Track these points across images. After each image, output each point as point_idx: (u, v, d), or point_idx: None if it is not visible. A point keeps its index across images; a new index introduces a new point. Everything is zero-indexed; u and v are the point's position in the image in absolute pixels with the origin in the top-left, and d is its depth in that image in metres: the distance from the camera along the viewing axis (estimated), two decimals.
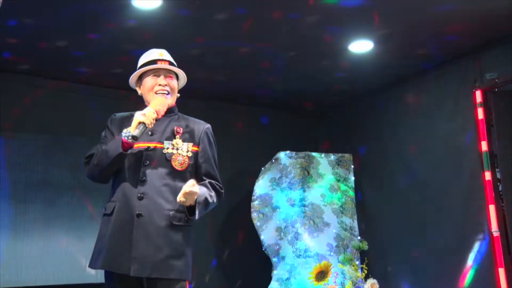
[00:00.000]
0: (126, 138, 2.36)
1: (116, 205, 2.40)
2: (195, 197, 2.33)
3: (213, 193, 2.49)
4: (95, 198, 4.87)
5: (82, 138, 4.91)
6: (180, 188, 2.35)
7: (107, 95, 5.10)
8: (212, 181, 2.54)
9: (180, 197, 2.30)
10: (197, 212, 2.37)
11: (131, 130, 2.37)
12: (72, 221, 4.80)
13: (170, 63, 2.60)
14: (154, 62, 2.57)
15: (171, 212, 2.39)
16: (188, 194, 2.29)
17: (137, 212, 2.35)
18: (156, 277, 2.32)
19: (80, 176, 4.87)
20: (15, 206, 4.57)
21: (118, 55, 4.42)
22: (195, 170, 2.53)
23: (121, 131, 2.47)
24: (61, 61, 4.56)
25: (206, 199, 2.42)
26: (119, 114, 2.64)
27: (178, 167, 2.45)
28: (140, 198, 2.37)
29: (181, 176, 2.45)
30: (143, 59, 2.63)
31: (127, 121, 2.53)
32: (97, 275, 4.76)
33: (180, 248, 2.39)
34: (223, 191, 2.57)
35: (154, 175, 2.41)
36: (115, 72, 4.79)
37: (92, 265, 2.44)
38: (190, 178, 2.45)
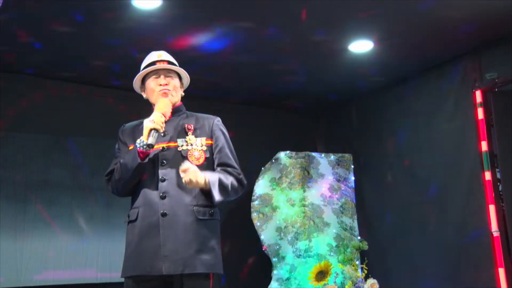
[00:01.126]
0: (141, 148, 2.36)
1: (140, 210, 2.41)
2: (197, 173, 2.30)
3: (229, 178, 2.46)
4: (95, 198, 4.87)
5: (82, 138, 4.92)
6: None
7: (107, 95, 5.11)
8: (227, 168, 2.51)
9: (183, 177, 2.28)
10: (213, 192, 2.33)
11: (144, 139, 2.38)
12: (72, 221, 4.80)
13: (170, 63, 2.61)
14: (153, 64, 2.58)
15: (195, 208, 2.40)
16: (186, 171, 2.28)
17: (162, 212, 2.36)
18: (188, 273, 2.31)
19: (80, 176, 4.88)
20: (15, 206, 4.57)
21: (118, 55, 4.42)
22: (212, 163, 2.52)
23: (134, 139, 2.48)
24: (61, 61, 4.56)
25: (220, 179, 2.40)
26: (128, 124, 2.65)
27: (195, 162, 2.44)
28: (163, 197, 2.38)
29: (200, 170, 2.44)
30: (143, 64, 2.65)
31: (138, 129, 2.54)
32: (97, 275, 4.76)
33: (209, 242, 2.39)
34: (241, 176, 2.54)
35: (173, 174, 2.41)
36: (115, 72, 4.79)
37: (124, 273, 2.42)
38: (209, 172, 2.45)
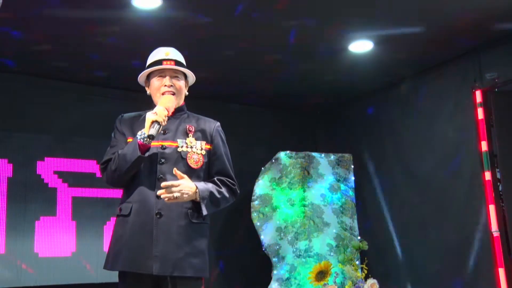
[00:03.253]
0: (142, 140, 2.34)
1: (134, 206, 2.39)
2: (183, 190, 2.29)
3: (223, 189, 2.47)
4: (95, 198, 4.86)
5: (82, 138, 4.92)
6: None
7: (107, 95, 5.11)
8: (222, 178, 2.52)
9: (162, 193, 2.27)
10: (203, 207, 2.35)
11: (146, 131, 2.35)
12: (72, 221, 4.80)
13: (177, 62, 2.57)
14: (160, 62, 2.54)
15: (189, 211, 2.39)
16: (172, 188, 2.27)
17: (157, 211, 2.35)
18: (177, 275, 2.32)
19: (80, 176, 4.88)
20: (15, 206, 4.57)
21: (118, 55, 4.42)
22: (208, 168, 2.52)
23: (132, 131, 2.47)
24: (61, 61, 4.56)
25: (211, 193, 2.40)
26: (126, 115, 2.62)
27: (193, 165, 2.45)
28: (159, 197, 2.35)
29: (196, 174, 2.45)
30: (150, 59, 2.61)
31: (137, 121, 2.53)
32: (97, 275, 4.76)
33: (199, 246, 2.40)
34: (235, 187, 2.55)
35: (171, 174, 2.39)
36: (114, 72, 4.79)
37: (109, 266, 2.40)
38: (204, 176, 2.47)
